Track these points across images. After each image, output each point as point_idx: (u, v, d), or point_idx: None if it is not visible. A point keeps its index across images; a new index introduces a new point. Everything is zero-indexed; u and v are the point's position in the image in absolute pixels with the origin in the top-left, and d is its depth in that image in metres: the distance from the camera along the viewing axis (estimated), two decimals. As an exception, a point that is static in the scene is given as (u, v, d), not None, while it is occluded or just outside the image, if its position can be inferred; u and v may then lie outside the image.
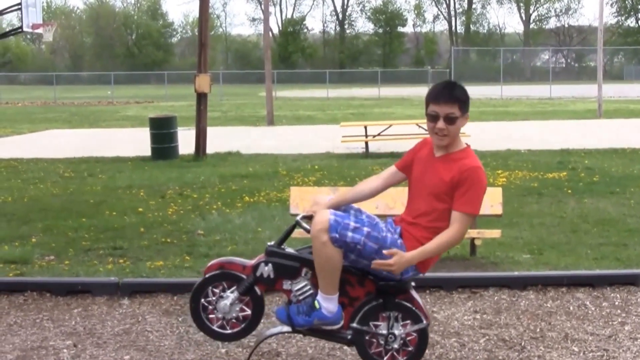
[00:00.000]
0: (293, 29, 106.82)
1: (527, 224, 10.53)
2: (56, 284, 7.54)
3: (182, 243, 9.65)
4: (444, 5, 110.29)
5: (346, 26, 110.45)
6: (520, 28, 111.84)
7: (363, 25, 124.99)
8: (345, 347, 5.81)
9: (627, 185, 13.70)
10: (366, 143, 19.84)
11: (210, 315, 5.14)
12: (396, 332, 5.00)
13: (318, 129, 28.63)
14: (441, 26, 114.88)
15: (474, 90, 58.26)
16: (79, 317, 6.80)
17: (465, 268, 8.28)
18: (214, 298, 5.12)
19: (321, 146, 21.45)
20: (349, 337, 5.02)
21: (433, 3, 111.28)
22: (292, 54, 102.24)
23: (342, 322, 4.97)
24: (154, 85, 77.00)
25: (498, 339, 6.10)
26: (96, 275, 7.95)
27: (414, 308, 5.01)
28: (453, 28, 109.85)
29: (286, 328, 5.08)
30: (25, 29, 28.30)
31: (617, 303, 7.00)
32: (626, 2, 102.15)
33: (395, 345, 5.03)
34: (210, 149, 19.74)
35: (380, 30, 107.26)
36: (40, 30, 30.03)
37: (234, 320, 5.13)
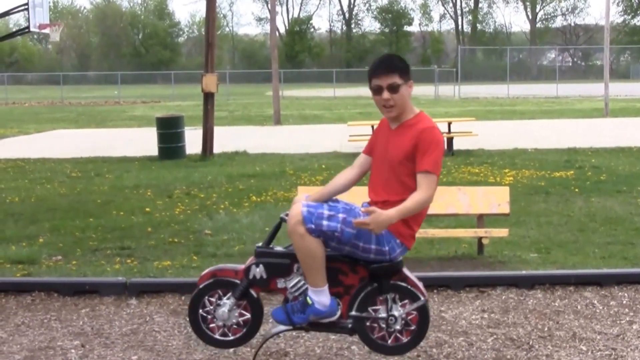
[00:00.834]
0: (300, 29, 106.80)
1: (534, 223, 10.52)
2: (64, 284, 7.55)
3: (189, 243, 9.66)
4: (450, 5, 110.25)
5: (353, 25, 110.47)
6: (526, 27, 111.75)
7: (369, 25, 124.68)
8: (353, 347, 5.82)
9: (634, 184, 13.67)
10: (373, 142, 19.80)
11: (211, 325, 5.15)
12: (396, 313, 5.00)
13: (325, 128, 28.63)
14: (448, 25, 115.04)
15: (480, 89, 58.32)
16: (87, 317, 6.81)
17: (472, 267, 8.28)
18: (211, 307, 5.13)
19: (328, 145, 21.45)
20: (350, 325, 5.03)
21: (439, 2, 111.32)
22: (298, 54, 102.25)
23: (338, 313, 4.98)
24: (160, 85, 77.05)
25: (506, 338, 6.09)
26: (104, 275, 7.95)
27: (409, 287, 5.02)
28: (459, 27, 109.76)
29: (287, 326, 5.09)
30: (32, 29, 28.33)
31: (624, 302, 6.99)
32: (632, 0, 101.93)
33: (397, 327, 5.03)
34: (217, 148, 19.75)
35: (387, 30, 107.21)
36: (47, 31, 30.07)
37: (235, 326, 5.14)
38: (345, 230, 4.76)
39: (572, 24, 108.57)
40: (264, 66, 79.16)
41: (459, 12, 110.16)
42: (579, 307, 6.88)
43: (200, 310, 5.14)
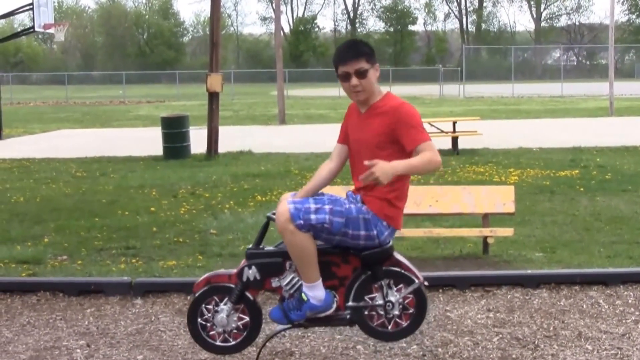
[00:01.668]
0: (304, 28, 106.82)
1: (539, 222, 10.51)
2: (69, 284, 7.57)
3: (194, 242, 9.66)
4: (455, 4, 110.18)
5: (357, 25, 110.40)
6: (531, 26, 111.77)
7: (374, 24, 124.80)
8: (359, 346, 5.82)
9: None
10: (377, 142, 19.81)
11: (211, 332, 5.16)
12: (392, 299, 5.01)
13: (330, 127, 28.57)
14: (452, 24, 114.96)
15: (485, 89, 58.31)
16: (92, 317, 6.81)
17: (478, 266, 8.27)
18: (209, 315, 5.13)
19: (333, 145, 21.30)
20: (349, 317, 5.03)
21: (444, 1, 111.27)
22: (303, 53, 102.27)
23: (334, 306, 4.99)
24: (165, 85, 77.13)
25: (511, 337, 6.09)
26: (109, 275, 7.96)
27: (403, 271, 5.02)
28: (464, 26, 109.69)
29: (286, 325, 5.10)
30: (37, 29, 28.43)
31: (630, 301, 6.98)
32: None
33: (396, 312, 5.04)
34: (222, 148, 19.76)
35: (391, 29, 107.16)
36: (51, 30, 30.17)
37: (235, 331, 5.15)
38: (334, 220, 4.77)
39: (577, 23, 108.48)
40: (269, 66, 79.14)
41: (463, 11, 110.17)
42: (584, 306, 6.87)
43: (199, 319, 5.15)
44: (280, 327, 5.26)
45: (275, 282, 5.02)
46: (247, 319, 5.13)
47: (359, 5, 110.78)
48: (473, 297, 7.17)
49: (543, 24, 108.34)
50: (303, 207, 4.79)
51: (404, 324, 5.08)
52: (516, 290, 7.32)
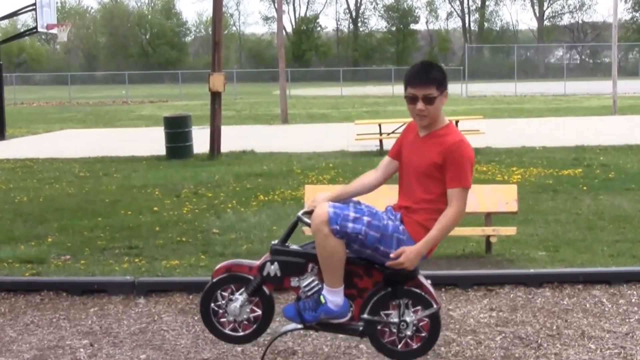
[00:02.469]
0: (306, 28, 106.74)
1: (542, 221, 10.51)
2: (72, 283, 7.57)
3: (197, 242, 9.67)
4: (457, 3, 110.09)
5: (359, 24, 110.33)
6: (533, 25, 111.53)
7: (376, 23, 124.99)
8: (361, 346, 5.82)
9: (643, 181, 13.66)
10: (380, 141, 19.83)
11: (222, 319, 5.14)
12: (408, 319, 5.00)
13: (332, 127, 28.62)
14: (454, 23, 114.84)
15: (488, 88, 58.21)
16: (95, 316, 6.82)
17: (480, 266, 8.27)
18: (223, 302, 5.12)
19: (335, 144, 21.45)
20: (361, 328, 5.02)
21: (446, 0, 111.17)
22: (305, 52, 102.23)
23: (349, 315, 4.98)
24: (168, 85, 77.08)
25: (514, 336, 6.09)
26: (112, 275, 7.97)
27: (423, 294, 5.01)
28: (466, 25, 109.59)
29: (297, 325, 5.09)
30: (39, 29, 28.49)
31: (633, 300, 6.98)
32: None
33: (408, 332, 5.03)
34: (225, 147, 19.76)
35: (394, 28, 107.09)
36: (54, 31, 30.23)
37: (245, 322, 5.13)
38: (370, 233, 4.75)
39: (580, 22, 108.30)
40: (271, 65, 79.21)
41: (465, 10, 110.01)
42: (587, 305, 6.87)
43: (212, 304, 5.14)
44: (290, 327, 5.25)
45: (294, 282, 5.01)
46: (259, 312, 5.12)
47: (361, 4, 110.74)
48: (476, 296, 7.17)
49: (546, 22, 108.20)
50: (342, 214, 4.76)
51: (414, 345, 5.07)
52: (519, 289, 7.32)
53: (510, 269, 8.04)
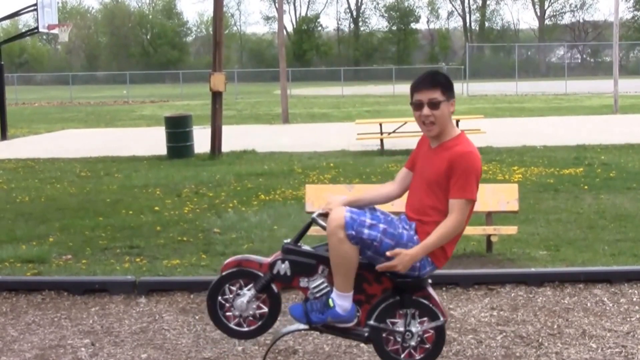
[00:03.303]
0: (307, 27, 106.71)
1: (543, 220, 10.51)
2: (73, 283, 7.58)
3: (198, 241, 9.67)
4: (458, 2, 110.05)
5: (360, 23, 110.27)
6: (535, 24, 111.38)
7: (377, 23, 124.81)
8: (362, 345, 5.82)
9: (644, 180, 13.65)
10: (381, 140, 19.83)
11: (227, 313, 5.14)
12: (413, 329, 4.99)
13: (333, 126, 28.62)
14: (455, 23, 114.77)
15: (488, 87, 58.17)
16: (97, 315, 6.83)
17: (481, 265, 8.27)
18: (230, 296, 5.11)
19: (336, 144, 21.45)
20: (366, 334, 5.02)
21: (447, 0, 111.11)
22: (306, 52, 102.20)
23: (355, 320, 4.97)
24: (169, 85, 77.10)
25: (515, 335, 6.09)
26: (113, 274, 7.98)
27: (431, 305, 5.00)
28: (467, 24, 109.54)
29: (302, 325, 5.09)
30: (41, 29, 28.48)
31: (634, 299, 6.98)
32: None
33: (413, 343, 5.02)
34: (226, 147, 19.76)
35: (394, 28, 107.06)
36: (55, 31, 30.22)
37: (250, 318, 5.13)
38: (384, 241, 4.75)
39: (581, 21, 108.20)
40: (272, 65, 79.13)
41: (466, 9, 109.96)
42: (588, 304, 6.87)
43: (219, 297, 5.14)
44: (293, 327, 5.24)
45: (303, 282, 5.00)
46: (265, 309, 5.12)
47: (362, 3, 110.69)
48: (477, 296, 7.18)
49: (547, 21, 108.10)
50: (359, 219, 4.76)
51: (417, 356, 5.06)
52: (520, 288, 7.33)
53: (511, 268, 8.04)
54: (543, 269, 7.75)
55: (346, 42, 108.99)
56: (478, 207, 8.52)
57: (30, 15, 31.79)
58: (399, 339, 5.03)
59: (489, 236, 8.73)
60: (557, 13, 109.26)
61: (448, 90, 4.89)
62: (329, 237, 4.79)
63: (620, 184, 13.34)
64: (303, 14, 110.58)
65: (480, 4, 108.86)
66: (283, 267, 5.00)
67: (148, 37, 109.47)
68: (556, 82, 61.75)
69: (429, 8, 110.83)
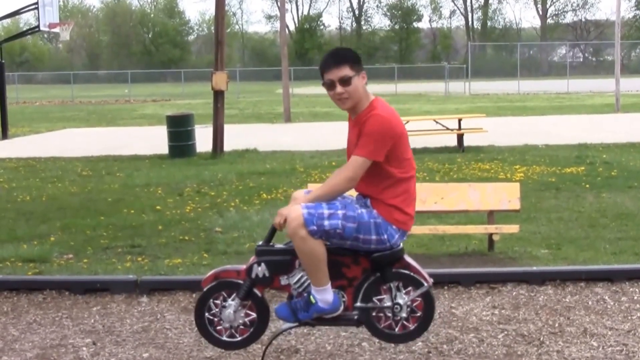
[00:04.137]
0: (309, 26, 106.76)
1: (545, 219, 10.50)
2: (75, 282, 7.58)
3: (200, 240, 9.67)
4: (460, 1, 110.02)
5: (362, 22, 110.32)
6: (537, 23, 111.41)
7: (379, 22, 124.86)
8: (364, 344, 5.83)
9: (646, 179, 13.64)
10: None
11: (218, 327, 5.16)
12: (400, 301, 5.02)
13: (335, 125, 28.57)
14: (457, 21, 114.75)
15: (491, 86, 58.17)
16: (98, 315, 6.83)
17: (483, 263, 8.27)
18: (217, 310, 5.14)
19: (338, 143, 21.34)
20: (356, 317, 5.04)
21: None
22: (308, 51, 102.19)
23: (342, 308, 5.00)
24: (170, 83, 77.14)
25: (517, 334, 6.09)
26: (115, 274, 7.98)
27: (412, 274, 5.03)
28: (469, 23, 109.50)
29: (293, 323, 5.11)
30: (42, 28, 28.48)
31: (636, 297, 6.98)
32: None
33: (403, 314, 5.05)
34: (228, 146, 19.75)
35: (397, 26, 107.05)
36: (57, 30, 30.22)
37: (241, 327, 5.15)
38: (347, 225, 4.79)
39: (583, 20, 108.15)
40: (274, 64, 79.12)
41: (469, 8, 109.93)
42: (589, 303, 6.87)
43: (207, 314, 5.16)
44: (287, 325, 5.26)
45: (284, 280, 5.03)
46: (254, 315, 5.14)
47: (364, 2, 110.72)
48: (478, 294, 7.18)
49: (549, 20, 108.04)
50: (317, 213, 4.78)
51: (411, 326, 5.09)
52: (521, 287, 7.32)
53: (512, 266, 8.03)
54: (544, 268, 7.74)
55: (348, 41, 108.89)
56: (480, 205, 8.57)
57: (31, 13, 31.77)
58: (389, 314, 5.05)
59: (490, 235, 8.73)
60: (559, 12, 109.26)
61: (356, 64, 4.92)
62: (292, 238, 4.82)
63: (621, 183, 13.33)
64: (305, 12, 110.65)
65: (482, 3, 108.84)
66: (260, 270, 5.02)
67: (150, 35, 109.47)
68: (558, 81, 61.79)
69: (432, 7, 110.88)
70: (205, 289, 5.14)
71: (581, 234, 9.59)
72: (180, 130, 19.37)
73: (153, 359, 5.79)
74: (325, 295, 4.89)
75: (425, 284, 5.02)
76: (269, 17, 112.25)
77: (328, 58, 4.96)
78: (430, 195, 8.54)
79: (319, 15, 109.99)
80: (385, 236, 4.87)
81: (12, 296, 7.40)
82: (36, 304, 7.18)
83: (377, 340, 5.78)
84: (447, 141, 19.80)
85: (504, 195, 8.57)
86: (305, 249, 4.77)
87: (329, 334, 6.03)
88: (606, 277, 7.42)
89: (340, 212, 4.80)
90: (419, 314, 5.08)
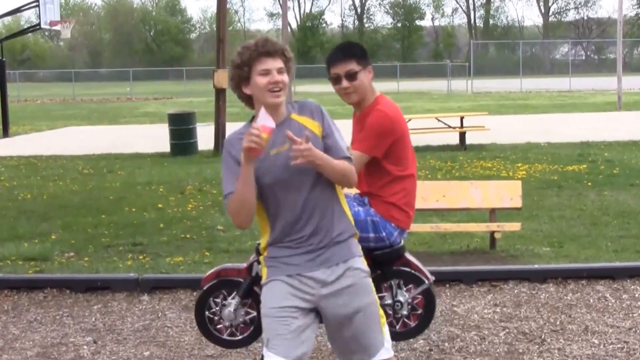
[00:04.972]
0: (312, 24, 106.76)
1: (547, 217, 10.49)
2: (76, 280, 7.59)
3: (201, 239, 9.66)
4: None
5: (365, 20, 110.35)
6: (539, 21, 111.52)
7: (382, 19, 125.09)
8: (365, 342, 5.81)
9: (648, 177, 13.62)
10: (385, 137, 19.80)
11: (218, 326, 5.14)
12: (401, 298, 5.00)
13: (337, 123, 28.47)
14: (460, 19, 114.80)
15: (493, 84, 58.10)
16: (99, 313, 6.83)
17: (485, 261, 8.26)
18: (217, 308, 5.12)
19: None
20: None
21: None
22: (311, 49, 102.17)
23: None
24: (172, 82, 77.11)
25: (518, 332, 6.09)
26: (116, 272, 7.97)
27: (413, 271, 5.02)
28: (472, 21, 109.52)
29: None
30: (43, 26, 28.46)
31: (637, 295, 6.97)
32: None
33: (404, 312, 5.03)
34: (229, 144, 19.70)
35: (399, 24, 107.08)
36: (58, 27, 30.18)
37: (242, 325, 5.13)
38: None
39: (585, 18, 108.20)
40: (276, 62, 78.98)
41: (471, 6, 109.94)
42: (591, 300, 6.86)
43: (207, 312, 5.14)
44: None
45: None
46: (254, 313, 5.12)
47: (366, 0, 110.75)
48: (480, 292, 7.17)
49: (551, 18, 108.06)
50: None
51: (412, 324, 5.08)
52: (523, 284, 7.32)
53: (514, 264, 8.03)
54: (546, 266, 7.74)
55: (350, 39, 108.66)
56: (482, 203, 8.56)
57: (32, 11, 31.74)
58: (390, 312, 5.03)
59: (492, 233, 8.72)
60: (561, 10, 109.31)
61: (363, 59, 4.89)
62: None
63: (623, 181, 13.31)
64: (307, 10, 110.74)
65: (484, 1, 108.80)
66: (261, 268, 5.01)
67: (151, 33, 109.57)
68: (560, 79, 61.73)
69: (434, 5, 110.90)
70: (205, 288, 5.13)
71: (583, 231, 9.58)
72: (182, 128, 19.37)
73: (154, 358, 5.79)
74: None
75: (426, 282, 5.01)
76: (271, 15, 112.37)
77: (335, 52, 4.95)
78: (432, 193, 8.54)
79: (321, 13, 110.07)
80: (384, 234, 4.85)
81: (13, 295, 7.40)
82: (37, 303, 7.18)
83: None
84: (449, 139, 19.79)
85: (506, 193, 8.57)
86: None
87: (330, 332, 6.02)
88: (608, 275, 7.42)
89: None
90: (419, 312, 5.07)
